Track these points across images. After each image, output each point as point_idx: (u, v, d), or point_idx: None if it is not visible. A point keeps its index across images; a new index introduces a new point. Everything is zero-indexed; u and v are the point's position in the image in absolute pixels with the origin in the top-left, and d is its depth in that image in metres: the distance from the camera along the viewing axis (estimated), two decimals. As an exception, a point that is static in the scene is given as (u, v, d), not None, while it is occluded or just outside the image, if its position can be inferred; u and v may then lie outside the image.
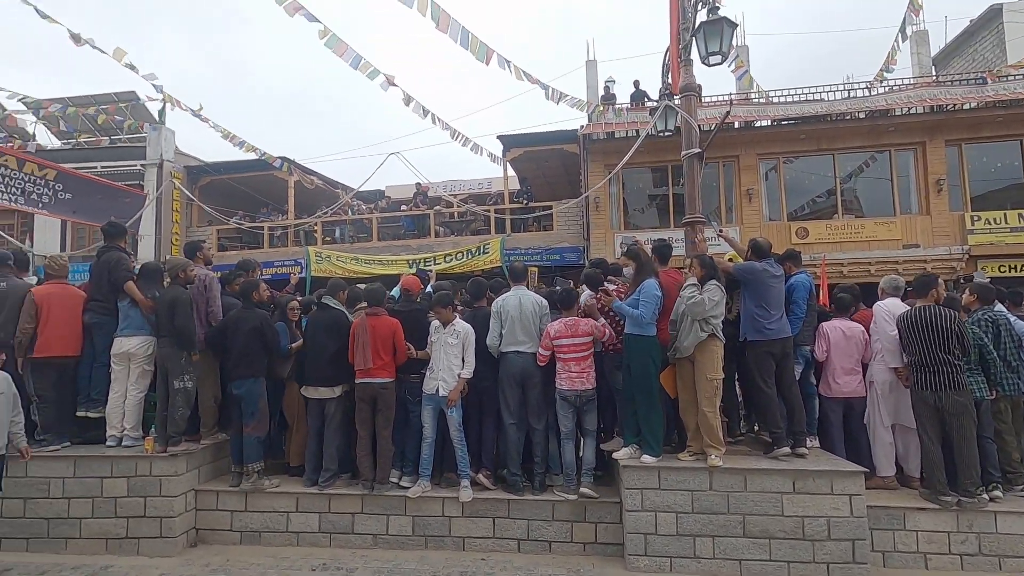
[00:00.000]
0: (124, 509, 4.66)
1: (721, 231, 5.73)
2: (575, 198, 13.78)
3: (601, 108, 11.49)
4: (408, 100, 9.55)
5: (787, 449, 4.29)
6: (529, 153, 14.62)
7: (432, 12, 6.80)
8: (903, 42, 11.97)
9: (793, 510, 4.04)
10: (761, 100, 13.17)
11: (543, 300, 4.83)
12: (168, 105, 12.97)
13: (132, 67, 11.24)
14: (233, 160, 15.47)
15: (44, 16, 9.72)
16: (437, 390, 4.56)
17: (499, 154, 14.48)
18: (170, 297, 4.70)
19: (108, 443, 4.84)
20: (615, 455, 4.55)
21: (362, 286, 5.35)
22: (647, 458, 4.27)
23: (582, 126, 13.31)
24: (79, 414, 4.96)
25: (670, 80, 6.44)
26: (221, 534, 4.83)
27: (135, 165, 14.81)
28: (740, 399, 5.32)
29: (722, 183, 12.97)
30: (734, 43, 5.65)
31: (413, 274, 6.07)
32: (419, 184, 15.56)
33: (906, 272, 10.93)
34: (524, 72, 7.89)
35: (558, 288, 5.97)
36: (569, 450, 4.59)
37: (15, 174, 7.85)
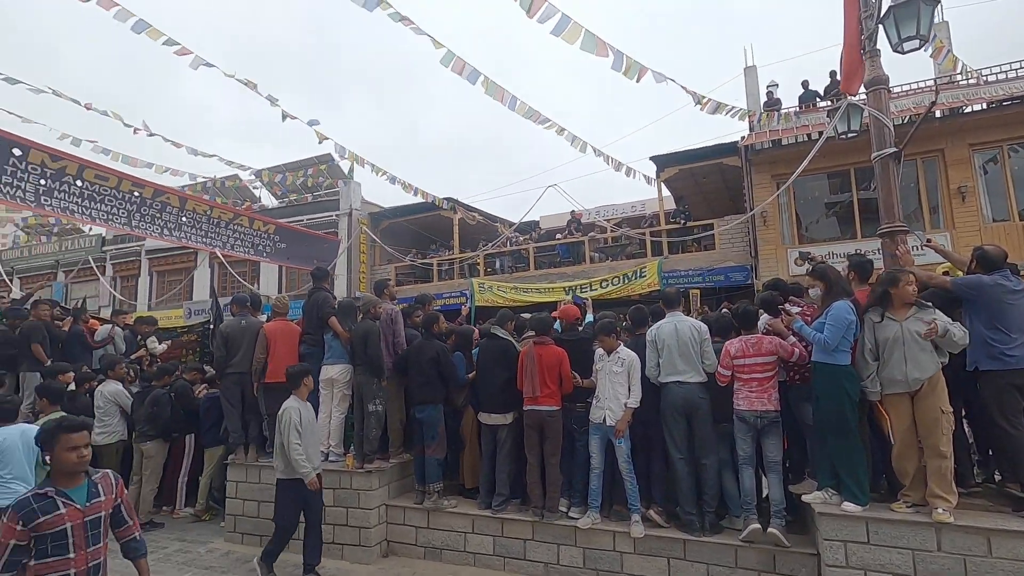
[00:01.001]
0: (331, 517, 5.31)
1: (929, 240, 4.89)
2: (739, 214, 12.88)
3: (765, 115, 10.65)
4: (561, 131, 9.82)
5: (1049, 507, 3.42)
6: (685, 171, 14.08)
7: (584, 40, 6.92)
8: None
9: (1065, 587, 3.19)
10: (971, 82, 11.12)
11: (702, 325, 4.55)
12: (355, 164, 15.00)
13: (327, 137, 13.25)
14: (406, 204, 17.27)
15: (267, 99, 11.91)
16: (604, 419, 4.50)
17: (652, 175, 14.15)
18: (363, 330, 5.34)
19: (318, 458, 5.60)
20: (806, 499, 4.04)
21: (527, 315, 5.56)
22: (849, 506, 3.72)
23: (743, 137, 12.48)
24: (296, 431, 5.81)
25: (841, 77, 5.77)
26: (408, 547, 5.25)
27: (331, 215, 17.32)
28: (971, 441, 4.41)
29: (923, 183, 11.14)
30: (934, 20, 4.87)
31: (570, 302, 6.13)
32: (573, 212, 15.83)
33: None
34: (682, 86, 7.64)
35: (724, 311, 5.57)
36: (748, 476, 4.20)
37: (247, 230, 9.65)
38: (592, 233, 15.23)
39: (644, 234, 14.02)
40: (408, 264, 16.84)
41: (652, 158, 13.93)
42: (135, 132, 10.14)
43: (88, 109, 9.11)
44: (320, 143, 11.33)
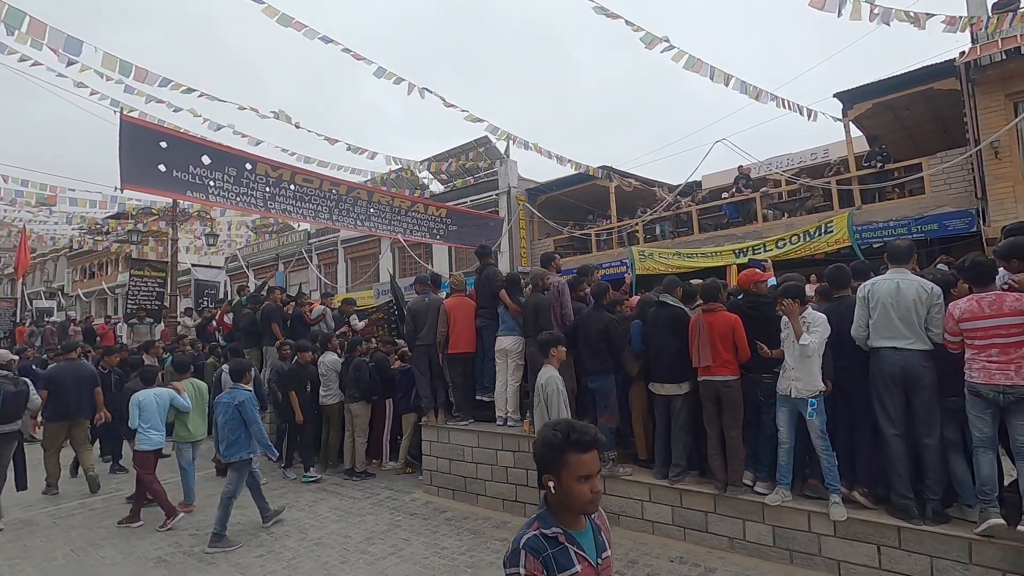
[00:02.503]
0: (512, 477, 5.71)
1: None
2: (957, 148, 10.68)
3: (995, 19, 8.52)
4: (728, 79, 9.01)
5: None
6: (880, 105, 12.00)
7: None
8: None
9: None
10: None
11: (934, 288, 3.85)
12: (509, 142, 15.45)
13: (480, 119, 13.81)
14: (561, 177, 17.38)
15: (420, 91, 12.79)
16: (790, 391, 4.14)
17: (839, 115, 12.32)
18: (533, 302, 5.55)
19: (497, 422, 6.02)
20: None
21: (696, 281, 5.29)
22: None
23: (962, 52, 10.21)
24: (477, 397, 6.32)
25: None
26: (585, 511, 5.43)
27: (491, 195, 18.14)
28: None
29: None
30: None
31: (747, 266, 5.68)
32: (740, 167, 14.52)
33: None
34: None
35: (940, 265, 4.69)
36: (987, 462, 3.50)
37: (423, 216, 10.58)
38: (764, 188, 13.83)
39: (829, 183, 12.34)
40: (567, 236, 17.01)
41: (837, 94, 12.12)
42: (333, 143, 11.60)
43: (298, 128, 10.71)
44: (487, 122, 11.79)
